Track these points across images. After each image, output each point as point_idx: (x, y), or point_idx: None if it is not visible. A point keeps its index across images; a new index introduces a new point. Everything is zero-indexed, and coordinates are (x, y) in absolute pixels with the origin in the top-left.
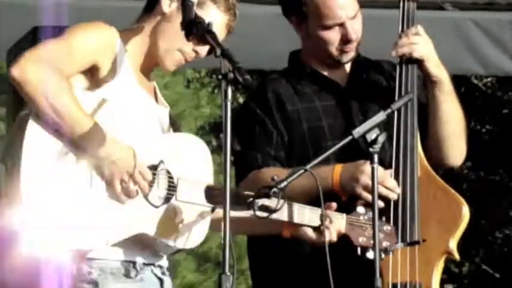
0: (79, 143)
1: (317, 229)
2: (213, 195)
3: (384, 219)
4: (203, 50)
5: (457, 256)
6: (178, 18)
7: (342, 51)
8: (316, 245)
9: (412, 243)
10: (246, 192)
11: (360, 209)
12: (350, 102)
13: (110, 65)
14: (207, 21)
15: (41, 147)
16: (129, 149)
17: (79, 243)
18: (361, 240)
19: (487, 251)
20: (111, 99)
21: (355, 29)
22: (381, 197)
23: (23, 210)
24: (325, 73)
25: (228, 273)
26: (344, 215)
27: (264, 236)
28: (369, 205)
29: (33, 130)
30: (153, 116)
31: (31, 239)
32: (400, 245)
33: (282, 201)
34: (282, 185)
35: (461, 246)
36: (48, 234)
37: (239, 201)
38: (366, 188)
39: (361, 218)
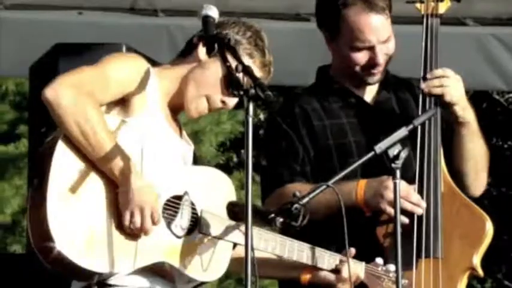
0: (103, 169)
1: (335, 273)
2: (234, 211)
3: (402, 272)
4: (232, 101)
5: (480, 272)
6: (213, 67)
7: (368, 74)
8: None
9: None
10: (268, 209)
11: (379, 260)
12: (377, 120)
13: (140, 98)
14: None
15: (69, 167)
16: (150, 188)
17: (104, 266)
18: None
19: (509, 266)
20: (139, 133)
21: (386, 52)
22: (406, 213)
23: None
24: (354, 90)
25: None
26: (363, 263)
27: (282, 280)
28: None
29: (62, 150)
30: (178, 153)
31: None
32: None
33: (303, 217)
34: (304, 200)
35: (483, 262)
36: (74, 257)
37: (261, 218)
38: (390, 204)
39: (380, 268)
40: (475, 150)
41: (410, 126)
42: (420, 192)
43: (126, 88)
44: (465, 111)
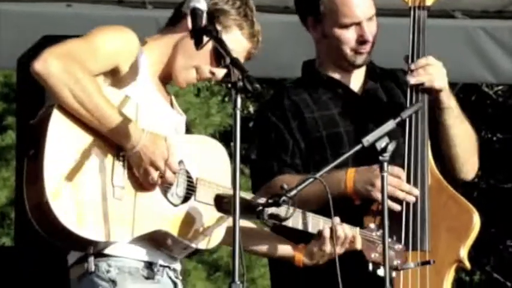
0: (106, 133)
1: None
2: (222, 203)
3: (394, 238)
4: (220, 72)
5: (467, 265)
6: (185, 47)
7: (357, 52)
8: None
9: (424, 264)
10: (256, 201)
11: (372, 225)
12: (365, 109)
13: (130, 69)
14: (229, 44)
15: (65, 138)
16: (155, 137)
17: (101, 234)
18: (373, 256)
19: (498, 259)
20: (133, 98)
21: (371, 31)
22: (399, 202)
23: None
24: (341, 80)
25: (238, 282)
26: (357, 228)
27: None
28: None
29: (57, 120)
30: (170, 123)
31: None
32: (411, 264)
33: (291, 209)
34: (292, 193)
35: (472, 255)
36: (75, 227)
37: (248, 210)
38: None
39: (373, 234)
40: (461, 135)
41: (398, 119)
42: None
43: (116, 59)
44: (449, 98)
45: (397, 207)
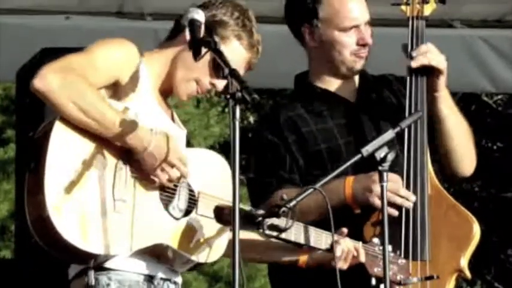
0: (115, 140)
1: (330, 251)
2: (222, 214)
3: (398, 252)
4: (221, 83)
5: (468, 274)
6: (184, 60)
7: (357, 56)
8: (326, 265)
9: (428, 279)
10: (255, 212)
11: (375, 240)
12: (361, 118)
13: (131, 82)
14: (228, 55)
15: (66, 150)
16: (163, 135)
17: (100, 248)
18: (376, 270)
19: (499, 268)
20: (132, 109)
21: (370, 34)
22: (396, 207)
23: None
24: (335, 91)
25: None
26: (360, 243)
27: (278, 264)
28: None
29: (59, 132)
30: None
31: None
32: (414, 279)
33: (291, 220)
34: (291, 204)
35: (472, 264)
36: (74, 239)
37: (248, 221)
38: (379, 197)
39: (377, 248)
40: (457, 128)
41: (397, 129)
42: None
43: (116, 73)
44: (445, 87)
45: (394, 212)
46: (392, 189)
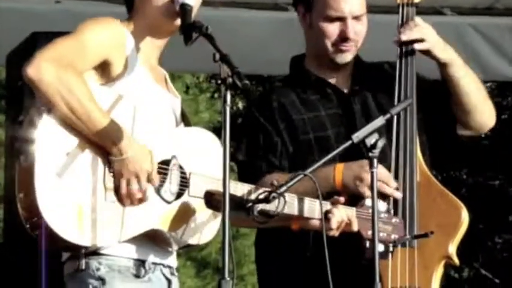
0: (95, 140)
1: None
2: (212, 200)
3: (392, 212)
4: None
5: (456, 261)
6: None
7: (337, 49)
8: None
9: (420, 236)
10: (246, 197)
11: (368, 202)
12: (354, 108)
13: (122, 60)
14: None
15: (54, 143)
16: (143, 150)
17: (91, 239)
18: (370, 233)
19: (487, 256)
20: (127, 95)
21: (356, 30)
22: (387, 197)
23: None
24: (329, 79)
25: (228, 279)
26: (354, 209)
27: (272, 228)
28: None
29: (46, 125)
30: (167, 108)
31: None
32: (408, 237)
33: (281, 205)
34: (282, 189)
35: (460, 251)
36: (62, 230)
37: (238, 207)
38: (370, 187)
39: (369, 211)
40: (471, 84)
41: (387, 115)
42: (396, 181)
43: (105, 52)
44: (446, 51)
45: (399, 195)
46: (384, 180)
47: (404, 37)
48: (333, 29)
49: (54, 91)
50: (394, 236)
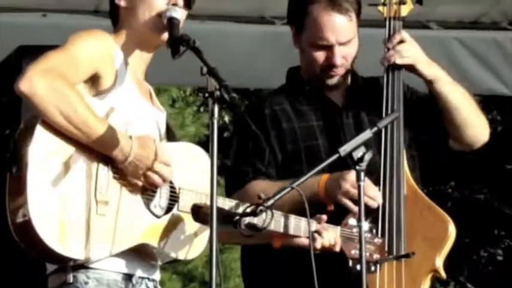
0: (95, 148)
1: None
2: (199, 213)
3: (374, 231)
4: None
5: (443, 274)
6: (140, 2)
7: (327, 75)
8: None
9: (402, 256)
10: (233, 211)
11: (352, 221)
12: (346, 122)
13: (112, 73)
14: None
15: (48, 153)
16: (144, 142)
17: (81, 252)
18: (354, 252)
19: (472, 269)
20: (118, 108)
21: (344, 54)
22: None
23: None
24: (325, 92)
25: None
26: (338, 227)
27: (255, 245)
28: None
29: (40, 135)
30: (153, 122)
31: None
32: (390, 257)
33: (268, 219)
34: (269, 202)
35: (446, 264)
36: (55, 244)
37: (226, 220)
38: (345, 194)
39: (354, 230)
40: (459, 100)
41: (375, 129)
42: (383, 194)
43: (95, 65)
44: (430, 68)
45: (374, 203)
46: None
47: (385, 63)
48: (320, 56)
49: (49, 103)
50: (376, 256)
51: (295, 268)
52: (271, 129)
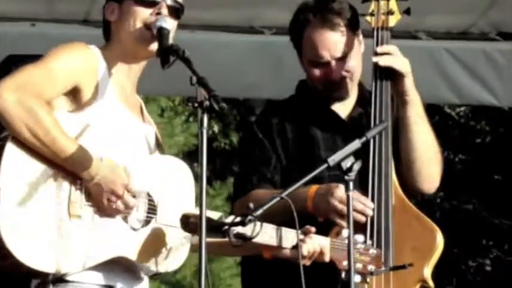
0: (64, 165)
1: (295, 248)
2: (188, 223)
3: (370, 242)
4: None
5: (431, 284)
6: (127, 15)
7: (329, 90)
8: (292, 261)
9: (398, 268)
10: (221, 220)
11: (344, 233)
12: (350, 135)
13: (93, 86)
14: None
15: (19, 171)
16: (112, 165)
17: (52, 266)
18: (345, 264)
19: (460, 279)
20: (95, 123)
21: (347, 68)
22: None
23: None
24: (331, 105)
25: None
26: (328, 239)
27: (245, 256)
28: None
29: (10, 153)
30: (140, 136)
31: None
32: (385, 269)
33: (257, 228)
34: (257, 213)
35: (434, 275)
36: (25, 257)
37: (214, 230)
38: (334, 211)
39: (345, 241)
40: (421, 138)
41: (363, 139)
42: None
43: (75, 79)
44: (413, 89)
45: (361, 218)
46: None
47: (379, 61)
48: (319, 73)
49: (17, 119)
50: (371, 267)
51: (288, 276)
52: (277, 137)
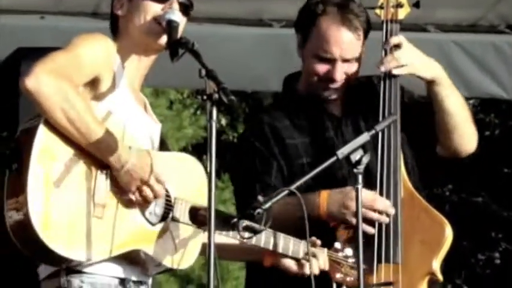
0: (94, 152)
1: (298, 261)
2: (197, 215)
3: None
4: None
5: (440, 277)
6: (137, 10)
7: (324, 87)
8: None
9: (383, 285)
10: (230, 213)
11: (337, 245)
12: (346, 131)
13: (110, 77)
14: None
15: (49, 154)
16: (142, 154)
17: (82, 254)
18: (338, 276)
19: (469, 273)
20: (115, 112)
21: (346, 71)
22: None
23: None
24: (322, 103)
25: None
26: (325, 249)
27: (247, 261)
28: (349, 240)
29: (42, 135)
30: (146, 132)
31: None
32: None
33: (266, 221)
34: (267, 205)
35: (443, 268)
36: (51, 244)
37: (224, 222)
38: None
39: (339, 254)
40: (456, 104)
41: (372, 132)
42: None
43: (98, 68)
44: (430, 70)
45: (370, 230)
46: (368, 205)
47: (382, 68)
48: (321, 68)
49: (53, 102)
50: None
51: (288, 282)
52: (274, 145)
